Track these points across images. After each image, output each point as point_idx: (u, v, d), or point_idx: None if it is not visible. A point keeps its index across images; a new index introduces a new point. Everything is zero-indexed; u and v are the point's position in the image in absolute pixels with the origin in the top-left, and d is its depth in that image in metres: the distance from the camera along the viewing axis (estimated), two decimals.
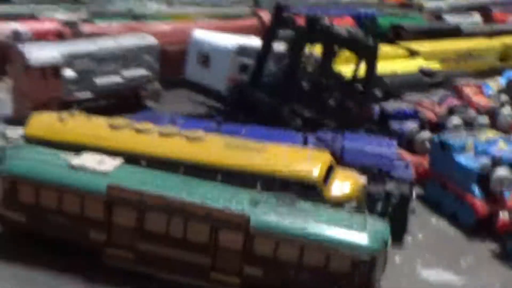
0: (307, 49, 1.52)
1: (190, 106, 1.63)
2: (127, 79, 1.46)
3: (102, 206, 0.82)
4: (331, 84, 1.59)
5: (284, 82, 1.48)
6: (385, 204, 1.07)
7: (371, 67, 1.62)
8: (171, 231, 0.83)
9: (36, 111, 1.18)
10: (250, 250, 0.80)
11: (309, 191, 0.95)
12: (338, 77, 1.63)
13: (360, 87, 1.68)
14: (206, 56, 1.58)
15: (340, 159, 1.15)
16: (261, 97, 1.49)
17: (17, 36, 1.61)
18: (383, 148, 1.28)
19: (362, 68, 1.62)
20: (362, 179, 1.09)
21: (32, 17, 1.80)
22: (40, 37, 1.63)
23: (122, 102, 1.45)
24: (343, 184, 1.05)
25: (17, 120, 1.19)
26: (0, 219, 0.84)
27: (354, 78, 1.67)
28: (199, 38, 1.55)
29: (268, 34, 1.55)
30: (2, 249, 0.69)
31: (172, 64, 1.64)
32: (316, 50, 1.59)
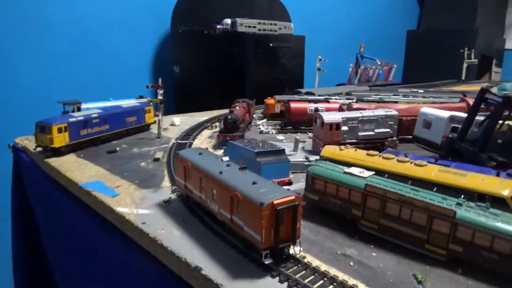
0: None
1: (416, 150, 2.01)
2: (377, 133, 1.97)
3: (361, 196, 1.24)
4: None
5: (483, 138, 1.65)
6: None
7: None
8: (401, 215, 1.17)
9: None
10: (454, 234, 1.04)
11: (500, 204, 1.09)
12: None
13: None
14: (429, 122, 1.98)
15: None
16: (465, 147, 1.70)
17: (317, 111, 2.56)
18: None
19: None
20: None
21: (326, 101, 2.78)
22: (329, 110, 2.54)
23: (373, 146, 1.95)
24: None
25: (314, 152, 1.94)
26: (306, 198, 1.40)
27: None
28: (424, 111, 1.98)
29: (474, 106, 1.76)
30: (307, 215, 1.15)
31: (404, 128, 2.15)
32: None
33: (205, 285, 1.24)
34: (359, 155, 1.74)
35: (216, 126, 3.42)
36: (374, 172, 1.57)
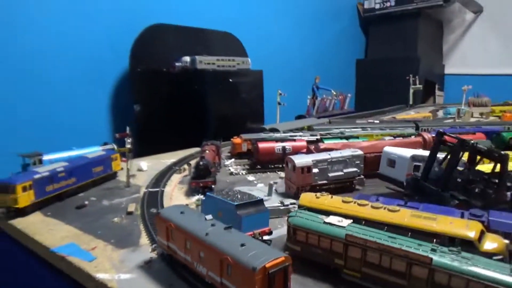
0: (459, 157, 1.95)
1: (382, 189, 2.21)
2: (346, 173, 2.13)
3: (342, 245, 1.30)
4: (475, 178, 1.92)
5: (444, 178, 1.88)
6: None
7: (502, 168, 1.88)
8: (381, 263, 1.24)
9: (300, 190, 2.00)
10: (432, 279, 1.12)
11: (469, 246, 1.22)
12: (480, 174, 1.94)
13: (496, 180, 1.93)
14: (393, 161, 2.20)
15: (488, 228, 1.37)
16: (429, 187, 1.91)
17: (284, 150, 2.68)
18: None
19: (497, 168, 1.92)
20: (505, 241, 1.26)
21: (292, 140, 2.90)
22: (296, 149, 2.68)
23: (343, 186, 2.10)
24: (492, 243, 1.26)
25: (287, 195, 2.04)
26: (288, 248, 1.44)
27: (492, 174, 1.95)
28: (387, 151, 2.20)
29: (433, 148, 2.01)
30: (294, 265, 1.18)
31: (368, 164, 2.33)
32: (465, 157, 2.01)
33: None
34: (336, 202, 1.82)
35: (185, 169, 3.41)
36: (352, 220, 1.65)
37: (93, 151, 3.18)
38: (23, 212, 2.32)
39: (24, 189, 2.30)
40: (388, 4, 10.49)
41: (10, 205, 2.28)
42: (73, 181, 2.69)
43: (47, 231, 2.13)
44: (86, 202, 2.57)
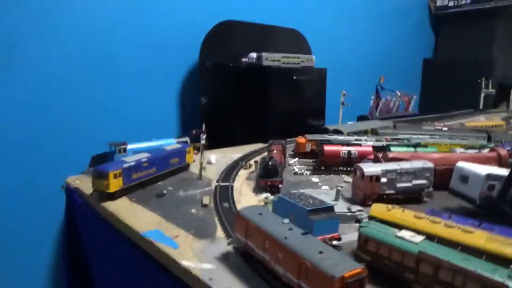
0: None
1: (450, 202, 2.19)
2: (415, 185, 2.15)
3: (414, 260, 1.35)
4: None
5: None
6: None
7: None
8: (454, 282, 1.27)
9: (367, 198, 2.08)
10: None
11: None
12: None
13: None
14: (466, 177, 2.12)
15: None
16: (506, 209, 1.83)
17: (349, 154, 2.73)
18: None
19: None
20: None
21: (358, 145, 2.92)
22: (362, 155, 2.72)
23: (411, 197, 2.15)
24: None
25: (354, 201, 2.12)
26: (357, 257, 1.53)
27: None
28: (460, 166, 2.14)
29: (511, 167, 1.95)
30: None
31: (438, 176, 2.29)
32: None
33: None
34: (408, 216, 1.86)
35: (250, 166, 3.57)
36: (424, 237, 1.69)
37: (169, 143, 3.44)
38: (113, 196, 2.60)
39: (115, 176, 2.58)
40: (463, 1, 9.91)
41: (103, 189, 2.57)
42: (154, 171, 2.95)
43: (134, 216, 2.38)
44: (165, 191, 2.81)
